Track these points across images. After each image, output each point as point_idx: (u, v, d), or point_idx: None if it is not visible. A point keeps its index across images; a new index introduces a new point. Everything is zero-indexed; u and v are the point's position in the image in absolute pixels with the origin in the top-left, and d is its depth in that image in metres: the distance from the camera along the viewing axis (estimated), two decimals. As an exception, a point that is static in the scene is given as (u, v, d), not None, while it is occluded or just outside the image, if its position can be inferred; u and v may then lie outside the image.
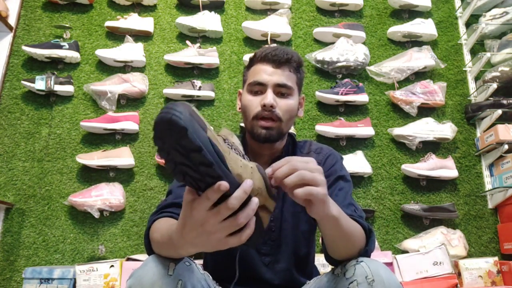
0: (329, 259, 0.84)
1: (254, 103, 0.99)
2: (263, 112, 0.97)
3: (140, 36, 2.07)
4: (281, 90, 0.99)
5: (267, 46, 1.97)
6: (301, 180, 0.63)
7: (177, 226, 0.62)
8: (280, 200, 1.02)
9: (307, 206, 0.67)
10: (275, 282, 0.98)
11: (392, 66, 2.00)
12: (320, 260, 1.60)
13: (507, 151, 1.82)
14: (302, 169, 0.63)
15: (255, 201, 0.57)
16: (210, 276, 0.85)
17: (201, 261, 1.17)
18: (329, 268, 1.59)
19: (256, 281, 0.97)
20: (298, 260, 1.01)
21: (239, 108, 1.08)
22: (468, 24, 2.18)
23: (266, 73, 0.99)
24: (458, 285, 1.61)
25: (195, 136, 0.50)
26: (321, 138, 1.95)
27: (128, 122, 1.86)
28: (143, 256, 1.61)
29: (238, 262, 0.90)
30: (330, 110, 2.01)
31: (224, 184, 0.53)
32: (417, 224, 1.86)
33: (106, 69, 2.02)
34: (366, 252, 0.80)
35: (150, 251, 0.78)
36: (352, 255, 0.78)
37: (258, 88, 1.00)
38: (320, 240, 0.97)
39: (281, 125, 0.98)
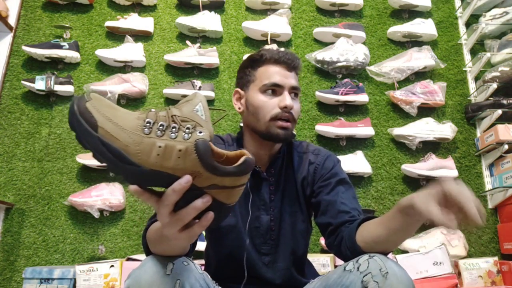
0: (352, 253, 0.83)
1: (271, 104, 0.99)
2: (283, 113, 0.98)
3: (140, 36, 2.07)
4: (293, 92, 1.02)
5: (268, 47, 1.98)
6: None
7: None
8: (279, 200, 1.02)
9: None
10: (276, 282, 0.98)
11: (392, 66, 2.00)
12: (320, 260, 1.60)
13: (507, 151, 1.82)
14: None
15: (197, 203, 0.55)
16: (209, 276, 0.85)
17: (201, 261, 1.17)
18: (329, 268, 1.59)
19: (258, 281, 0.97)
20: (296, 259, 1.01)
21: (240, 108, 1.07)
22: (468, 24, 2.18)
23: (282, 75, 1.01)
24: (458, 285, 1.61)
25: (82, 139, 0.51)
26: (321, 138, 1.95)
27: (128, 122, 1.85)
28: (143, 256, 1.60)
29: (245, 262, 0.91)
30: (330, 110, 2.01)
31: (132, 187, 0.54)
32: (417, 224, 1.86)
33: (106, 69, 2.02)
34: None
35: (148, 252, 0.79)
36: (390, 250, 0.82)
37: (273, 90, 1.01)
38: (325, 241, 0.97)
39: (294, 125, 1.02)
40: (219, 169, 0.55)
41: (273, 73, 1.01)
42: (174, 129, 0.54)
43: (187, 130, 0.54)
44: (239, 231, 0.98)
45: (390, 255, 1.66)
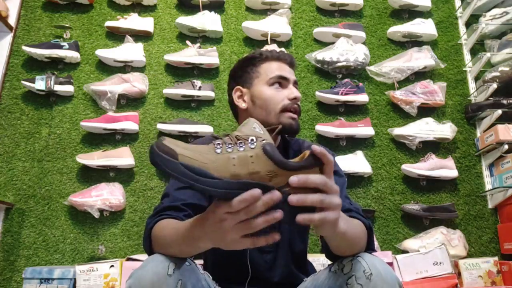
0: (330, 256, 0.84)
1: (281, 96, 1.03)
2: (293, 105, 1.03)
3: (140, 36, 2.07)
4: (296, 87, 1.07)
5: (267, 49, 1.97)
6: (319, 204, 0.60)
7: (199, 219, 0.65)
8: None
9: (316, 227, 0.65)
10: (276, 280, 0.98)
11: (392, 66, 2.00)
12: (320, 260, 1.60)
13: (507, 151, 1.82)
14: (321, 188, 0.61)
15: (277, 214, 0.59)
16: (211, 277, 0.85)
17: (200, 261, 1.17)
18: (329, 268, 1.59)
19: (260, 280, 0.97)
20: (295, 257, 1.02)
21: (244, 105, 1.07)
22: (468, 24, 2.18)
23: (286, 70, 1.07)
24: (458, 285, 1.61)
25: (166, 168, 0.58)
26: (321, 138, 1.95)
27: (128, 122, 1.86)
28: (143, 256, 1.61)
29: (247, 262, 0.91)
30: (330, 110, 2.01)
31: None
32: (417, 224, 1.86)
33: (106, 69, 2.02)
34: (371, 250, 0.82)
35: (151, 252, 0.78)
36: (357, 253, 0.79)
37: (280, 83, 1.05)
38: (320, 240, 0.97)
39: (298, 118, 1.06)
40: (290, 164, 0.61)
41: (278, 68, 1.06)
42: (241, 144, 0.61)
43: (251, 141, 0.61)
44: None
45: (390, 255, 1.66)
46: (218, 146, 0.61)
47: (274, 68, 1.06)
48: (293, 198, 0.58)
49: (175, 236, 0.72)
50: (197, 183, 0.58)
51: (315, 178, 0.60)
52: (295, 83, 1.07)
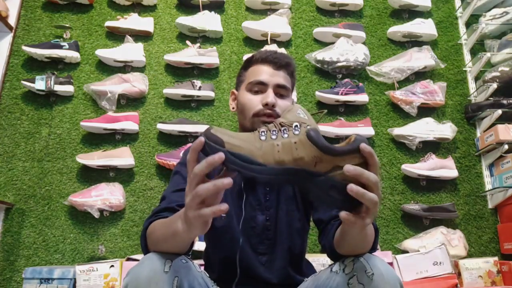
0: (333, 256, 0.84)
1: (255, 101, 1.02)
2: (265, 110, 1.00)
3: (140, 36, 2.07)
4: (280, 91, 1.04)
5: (263, 50, 1.97)
6: (373, 200, 0.59)
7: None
8: (275, 200, 1.02)
9: (352, 222, 0.62)
10: (273, 281, 0.98)
11: (392, 66, 2.00)
12: (320, 260, 1.60)
13: (507, 151, 1.82)
14: (371, 186, 0.60)
15: (225, 181, 0.59)
16: (208, 275, 0.85)
17: (200, 261, 1.17)
18: (329, 268, 1.59)
19: (255, 281, 0.97)
20: (293, 258, 1.01)
21: (233, 108, 1.12)
22: (468, 24, 2.18)
23: (268, 73, 1.03)
24: (458, 285, 1.61)
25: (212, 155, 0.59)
26: (321, 138, 1.95)
27: (128, 122, 1.86)
28: (140, 260, 1.61)
29: (238, 262, 0.91)
30: (330, 110, 2.01)
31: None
32: (417, 224, 1.86)
33: (106, 69, 2.02)
34: (373, 250, 0.82)
35: (146, 251, 0.80)
36: (363, 253, 0.78)
37: (258, 88, 1.03)
38: (318, 239, 0.97)
39: None
40: (335, 149, 0.61)
41: (260, 72, 1.04)
42: (285, 131, 0.62)
43: (296, 128, 0.62)
44: (233, 231, 0.98)
45: (390, 255, 1.66)
46: (263, 134, 0.62)
47: (256, 72, 1.05)
48: (353, 188, 0.58)
49: (164, 230, 0.74)
50: (244, 170, 0.59)
51: (370, 175, 0.59)
52: (279, 87, 1.03)
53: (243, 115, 1.04)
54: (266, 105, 0.99)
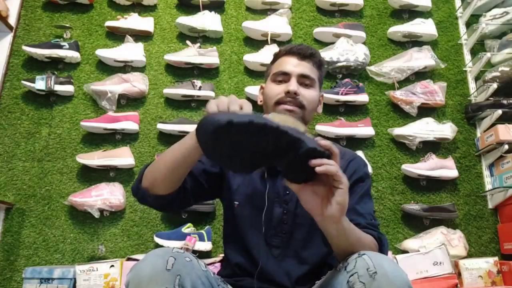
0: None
1: (277, 90, 1.05)
2: (286, 98, 1.03)
3: (140, 36, 2.07)
4: (304, 81, 1.06)
5: (268, 47, 1.98)
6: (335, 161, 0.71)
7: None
8: (294, 194, 1.00)
9: (322, 220, 0.74)
10: (283, 276, 0.97)
11: (392, 66, 2.00)
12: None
13: (507, 151, 1.82)
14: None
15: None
16: (215, 274, 0.85)
17: (207, 260, 1.17)
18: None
19: (266, 275, 0.95)
20: (309, 259, 0.98)
21: (260, 101, 1.14)
22: (468, 24, 2.18)
23: (291, 64, 1.07)
24: (458, 285, 1.61)
25: (270, 125, 0.68)
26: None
27: (128, 122, 1.86)
28: (143, 256, 1.61)
29: (257, 253, 0.93)
30: (330, 110, 2.00)
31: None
32: (417, 224, 1.86)
33: (106, 69, 2.02)
34: None
35: (137, 189, 0.94)
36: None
37: (282, 78, 1.06)
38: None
39: (304, 112, 1.05)
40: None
41: (284, 63, 1.08)
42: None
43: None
44: (254, 220, 0.99)
45: (390, 255, 1.66)
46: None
47: (280, 64, 1.08)
48: (323, 142, 0.71)
49: (169, 153, 0.85)
50: (298, 135, 0.70)
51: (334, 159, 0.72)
52: (303, 77, 1.05)
53: (266, 105, 1.08)
54: (288, 92, 1.02)
